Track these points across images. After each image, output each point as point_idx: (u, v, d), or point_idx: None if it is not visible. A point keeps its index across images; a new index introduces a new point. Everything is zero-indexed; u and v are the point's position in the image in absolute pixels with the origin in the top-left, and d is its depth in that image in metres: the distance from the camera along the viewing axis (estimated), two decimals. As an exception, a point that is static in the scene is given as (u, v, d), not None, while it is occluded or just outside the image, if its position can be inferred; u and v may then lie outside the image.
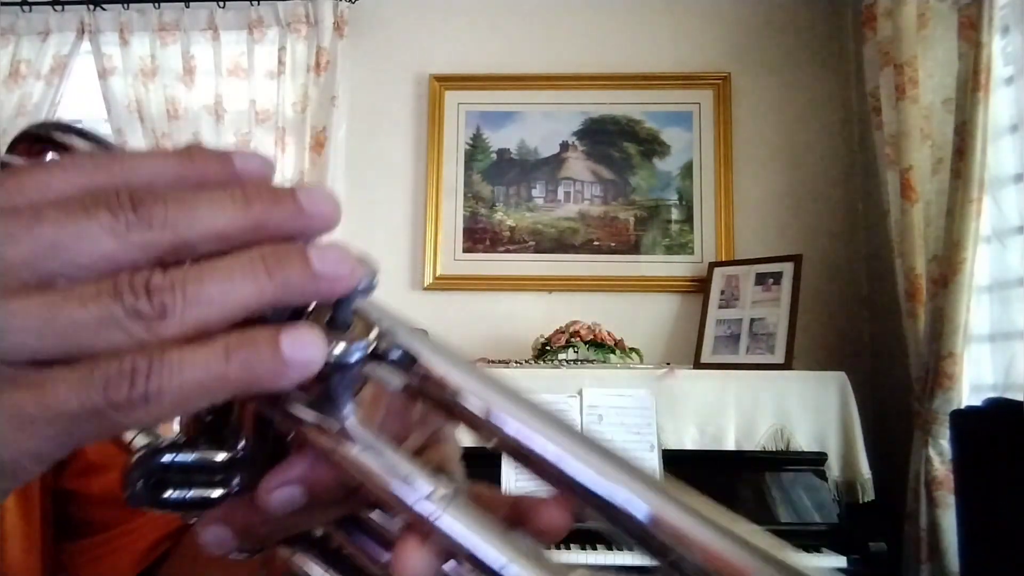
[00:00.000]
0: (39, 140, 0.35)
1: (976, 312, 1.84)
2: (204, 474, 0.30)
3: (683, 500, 0.23)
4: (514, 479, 1.66)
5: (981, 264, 1.83)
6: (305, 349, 0.23)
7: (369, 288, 0.25)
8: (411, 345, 0.26)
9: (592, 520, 0.24)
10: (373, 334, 0.25)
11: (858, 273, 2.45)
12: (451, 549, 0.24)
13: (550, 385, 1.94)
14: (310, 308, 0.26)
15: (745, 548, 0.21)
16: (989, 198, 1.81)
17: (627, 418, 1.90)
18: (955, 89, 1.83)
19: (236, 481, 0.30)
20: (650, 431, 1.87)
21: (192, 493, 0.30)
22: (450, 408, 0.26)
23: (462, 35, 2.62)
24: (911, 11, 1.99)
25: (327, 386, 0.25)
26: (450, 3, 2.64)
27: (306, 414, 0.26)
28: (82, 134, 0.35)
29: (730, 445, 1.90)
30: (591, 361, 2.19)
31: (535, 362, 2.22)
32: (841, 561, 1.68)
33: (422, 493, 0.24)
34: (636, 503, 0.23)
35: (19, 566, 0.53)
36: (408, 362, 0.26)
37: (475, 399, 0.26)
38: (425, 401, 0.27)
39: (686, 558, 0.22)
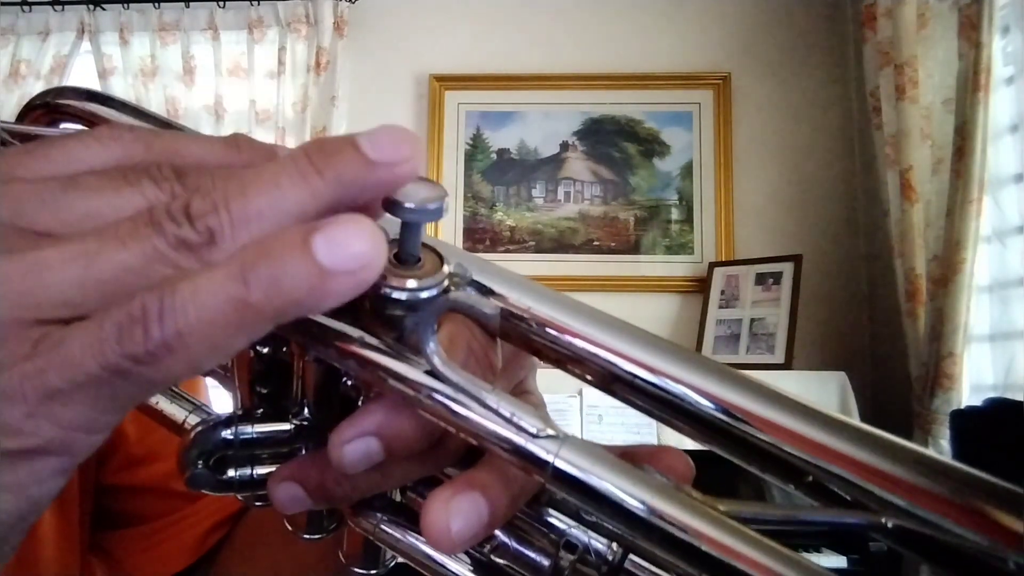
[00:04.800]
0: (52, 109, 0.31)
1: (976, 312, 1.84)
2: (268, 448, 0.27)
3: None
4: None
5: (981, 264, 1.83)
6: (348, 247, 0.18)
7: (439, 211, 0.21)
8: (487, 278, 0.23)
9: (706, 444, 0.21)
10: (447, 268, 0.22)
11: (858, 273, 2.45)
12: (573, 494, 0.21)
13: (550, 384, 1.90)
14: None
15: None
16: (989, 198, 1.81)
17: (627, 418, 1.90)
18: (955, 89, 1.82)
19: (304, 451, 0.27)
20: (650, 431, 1.87)
21: (258, 470, 0.27)
22: (538, 345, 0.23)
23: (462, 35, 2.62)
24: (911, 11, 1.99)
25: (402, 328, 0.22)
26: (450, 3, 2.64)
27: (385, 360, 0.22)
28: (101, 99, 0.31)
29: (730, 445, 1.90)
30: (591, 361, 2.19)
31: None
32: (841, 561, 1.68)
33: (531, 432, 0.21)
34: (785, 440, 0.20)
35: (54, 564, 0.51)
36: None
37: (567, 332, 0.22)
38: (507, 338, 0.24)
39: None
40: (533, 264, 2.51)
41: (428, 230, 0.23)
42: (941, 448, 1.83)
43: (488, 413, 0.21)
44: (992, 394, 1.74)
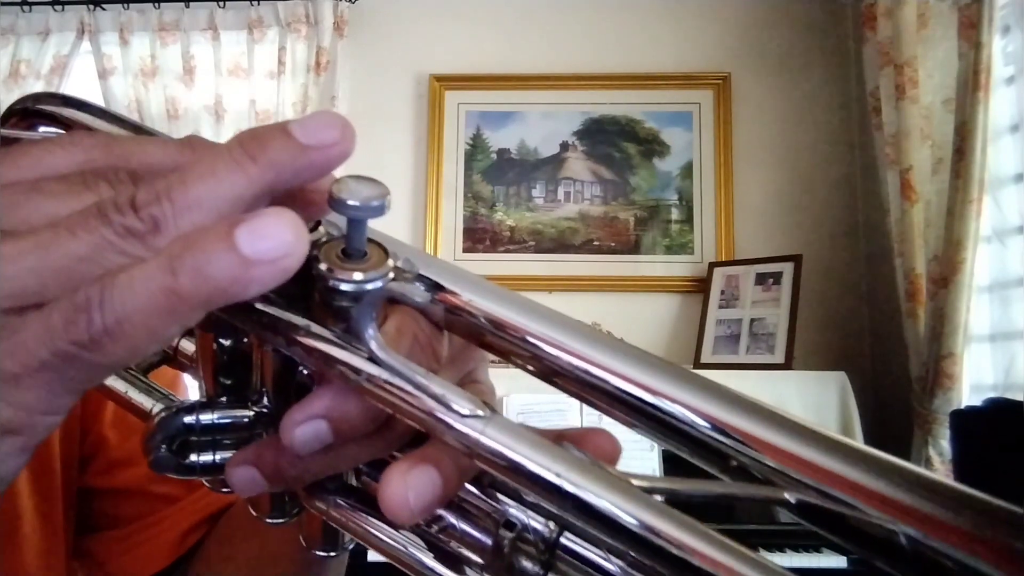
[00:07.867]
0: (30, 114, 0.34)
1: (976, 312, 1.84)
2: (229, 434, 0.29)
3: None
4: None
5: (981, 264, 1.83)
6: (269, 238, 0.20)
7: (382, 208, 0.23)
8: (433, 272, 0.25)
9: (643, 433, 0.22)
10: (391, 262, 0.24)
11: (858, 273, 2.45)
12: (498, 469, 0.22)
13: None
14: (322, 239, 0.24)
15: (812, 445, 0.21)
16: (989, 198, 1.81)
17: (627, 418, 1.89)
18: (955, 89, 1.82)
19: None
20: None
21: (219, 455, 0.29)
22: (481, 335, 0.25)
23: (462, 35, 2.62)
24: (911, 11, 1.99)
25: (349, 319, 0.23)
26: (450, 3, 2.64)
27: (328, 347, 0.24)
28: (77, 104, 0.34)
29: (730, 445, 1.89)
30: (591, 361, 2.19)
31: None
32: (841, 561, 1.68)
33: (461, 412, 0.22)
34: (696, 417, 0.22)
35: (38, 570, 0.51)
36: (432, 291, 0.25)
37: (508, 323, 0.24)
38: (454, 330, 0.26)
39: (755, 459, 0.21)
40: (533, 264, 2.51)
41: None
42: (941, 448, 1.83)
43: (420, 394, 0.23)
44: (992, 394, 1.74)
